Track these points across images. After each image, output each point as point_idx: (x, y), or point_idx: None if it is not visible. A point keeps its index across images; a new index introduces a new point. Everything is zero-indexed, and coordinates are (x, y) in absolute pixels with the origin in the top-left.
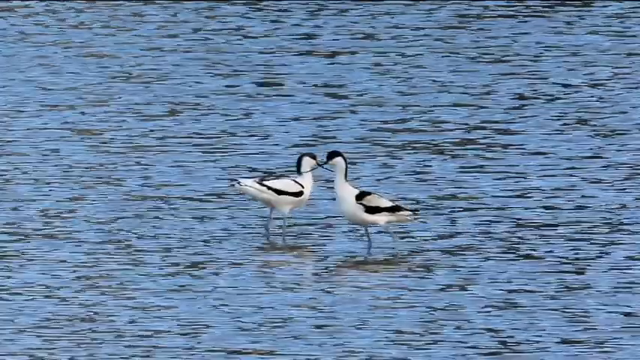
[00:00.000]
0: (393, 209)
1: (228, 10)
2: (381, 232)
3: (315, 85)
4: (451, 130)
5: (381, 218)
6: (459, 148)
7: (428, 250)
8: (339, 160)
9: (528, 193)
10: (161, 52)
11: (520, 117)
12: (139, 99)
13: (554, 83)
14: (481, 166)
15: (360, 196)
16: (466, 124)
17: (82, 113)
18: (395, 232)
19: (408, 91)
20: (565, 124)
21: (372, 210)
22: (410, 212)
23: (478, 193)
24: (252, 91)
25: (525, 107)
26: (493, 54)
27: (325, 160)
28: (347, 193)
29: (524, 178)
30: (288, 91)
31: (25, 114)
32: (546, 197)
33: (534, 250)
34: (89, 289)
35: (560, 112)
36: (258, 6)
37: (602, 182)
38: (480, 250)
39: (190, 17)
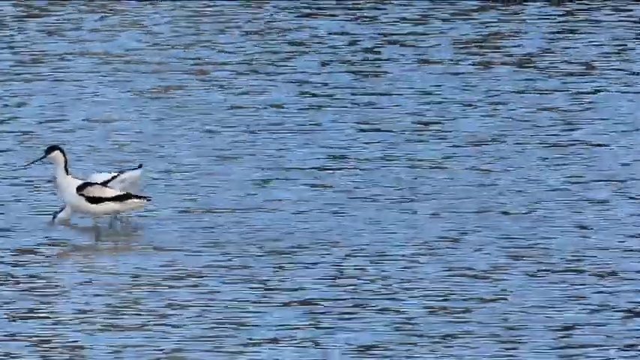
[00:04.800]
0: (120, 198)
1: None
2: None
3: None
4: None
5: (107, 207)
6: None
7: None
8: (56, 154)
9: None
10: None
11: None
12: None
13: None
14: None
15: (80, 188)
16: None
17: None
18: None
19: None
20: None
21: (94, 200)
22: (141, 199)
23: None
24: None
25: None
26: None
27: (44, 154)
28: (69, 185)
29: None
30: None
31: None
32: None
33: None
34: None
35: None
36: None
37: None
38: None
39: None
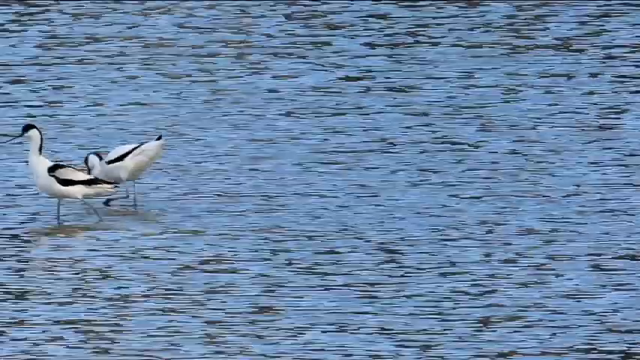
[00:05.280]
0: (89, 182)
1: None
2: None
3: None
4: None
5: (76, 190)
6: None
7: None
8: (33, 132)
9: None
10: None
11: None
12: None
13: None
14: None
15: (52, 169)
16: None
17: None
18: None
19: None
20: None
21: (65, 182)
22: (109, 185)
23: None
24: None
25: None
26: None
27: (21, 132)
28: (40, 166)
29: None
30: None
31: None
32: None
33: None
34: None
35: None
36: None
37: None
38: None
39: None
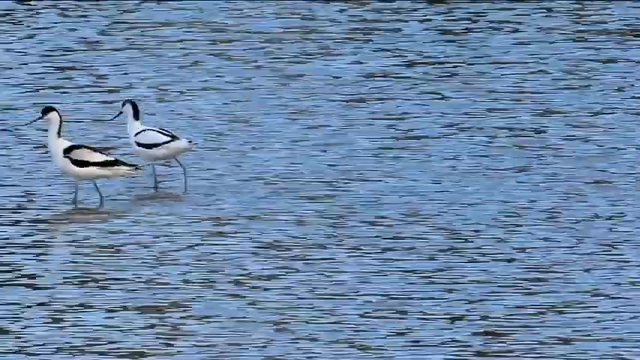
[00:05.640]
0: (106, 164)
1: None
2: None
3: None
4: None
5: (91, 171)
6: None
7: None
8: (53, 114)
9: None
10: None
11: None
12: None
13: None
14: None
15: (68, 150)
16: None
17: None
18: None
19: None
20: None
21: (80, 163)
22: (130, 167)
23: None
24: None
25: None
26: None
27: (40, 115)
28: (58, 147)
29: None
30: None
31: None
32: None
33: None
34: None
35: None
36: None
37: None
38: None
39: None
